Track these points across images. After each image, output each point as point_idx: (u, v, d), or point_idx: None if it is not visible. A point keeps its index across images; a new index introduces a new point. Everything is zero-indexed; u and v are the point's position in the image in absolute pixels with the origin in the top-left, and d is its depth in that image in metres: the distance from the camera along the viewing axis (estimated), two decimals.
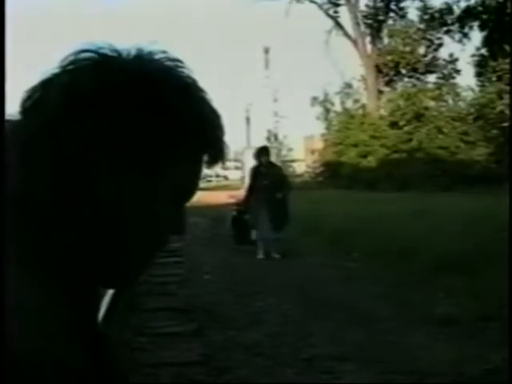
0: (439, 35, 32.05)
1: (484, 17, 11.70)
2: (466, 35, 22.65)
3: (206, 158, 0.77)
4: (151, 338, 5.45)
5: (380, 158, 29.59)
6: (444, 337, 5.37)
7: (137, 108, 0.70)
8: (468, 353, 4.88)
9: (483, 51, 15.25)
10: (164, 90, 0.72)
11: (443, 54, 33.34)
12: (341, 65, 40.01)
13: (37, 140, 0.69)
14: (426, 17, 31.65)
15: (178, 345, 5.30)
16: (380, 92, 33.30)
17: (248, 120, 35.11)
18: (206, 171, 0.82)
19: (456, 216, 11.52)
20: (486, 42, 12.05)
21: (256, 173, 10.50)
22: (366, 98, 33.25)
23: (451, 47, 32.69)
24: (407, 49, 32.86)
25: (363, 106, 33.35)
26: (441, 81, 33.22)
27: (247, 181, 11.70)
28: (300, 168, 41.28)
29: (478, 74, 29.20)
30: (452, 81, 33.14)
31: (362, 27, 33.11)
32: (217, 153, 0.77)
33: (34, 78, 0.73)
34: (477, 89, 31.11)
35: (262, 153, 10.61)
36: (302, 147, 46.44)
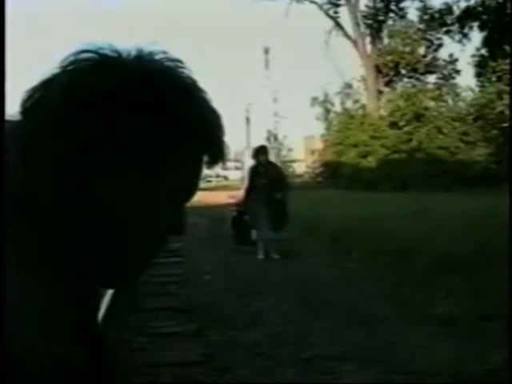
0: (439, 35, 32.06)
1: (484, 17, 11.70)
2: (465, 35, 22.64)
3: (206, 158, 0.77)
4: (151, 338, 5.45)
5: (380, 158, 29.59)
6: (444, 337, 5.37)
7: (137, 108, 0.70)
8: (468, 353, 4.88)
9: (483, 51, 15.26)
10: (164, 90, 0.72)
11: (443, 54, 33.39)
12: (341, 65, 40.09)
13: (37, 140, 0.69)
14: (425, 17, 31.65)
15: (178, 345, 5.30)
16: (380, 92, 33.30)
17: (248, 120, 35.06)
18: (205, 171, 0.82)
19: (456, 216, 11.52)
20: (486, 43, 12.05)
21: (254, 172, 10.49)
22: (366, 99, 33.25)
23: (451, 47, 32.67)
24: (407, 49, 32.86)
25: (363, 107, 33.35)
26: (441, 81, 33.23)
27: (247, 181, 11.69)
28: (300, 168, 41.29)
29: (478, 75, 29.19)
30: (452, 81, 33.16)
31: (362, 27, 33.11)
32: (217, 153, 0.77)
33: (34, 78, 0.73)
34: (477, 89, 31.13)
35: (260, 152, 10.58)
36: (302, 147, 46.45)
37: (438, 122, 29.88)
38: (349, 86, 34.51)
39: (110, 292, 5.88)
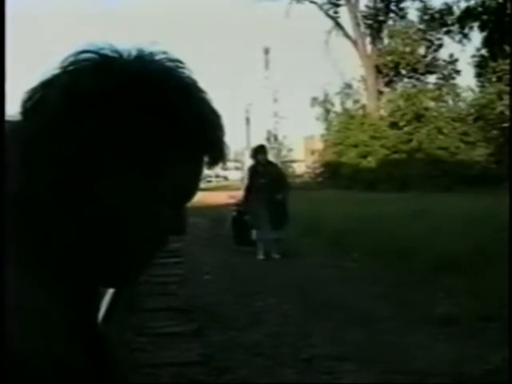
0: (439, 36, 32.09)
1: (484, 17, 11.68)
2: (466, 36, 22.65)
3: (206, 158, 0.77)
4: (151, 338, 5.45)
5: (380, 158, 29.60)
6: (444, 337, 5.37)
7: (137, 108, 0.70)
8: (468, 353, 4.88)
9: (483, 52, 15.23)
10: (164, 90, 0.72)
11: (443, 54, 33.42)
12: (341, 65, 40.06)
13: (37, 140, 0.69)
14: (426, 17, 31.67)
15: (178, 345, 5.30)
16: (380, 92, 33.31)
17: (248, 120, 35.07)
18: (206, 172, 0.82)
19: (456, 216, 11.52)
20: (486, 43, 12.03)
21: (254, 172, 10.46)
22: (366, 99, 33.26)
23: (451, 48, 32.69)
24: (407, 49, 32.87)
25: (363, 107, 33.36)
26: (441, 81, 33.25)
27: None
28: (300, 168, 41.29)
29: (478, 75, 29.22)
30: (452, 81, 33.18)
31: (362, 28, 33.13)
32: (217, 153, 0.77)
33: (34, 78, 0.73)
34: (477, 89, 31.16)
35: (259, 152, 10.56)
36: (302, 148, 46.45)
37: (438, 123, 29.89)
38: (349, 86, 34.56)
39: (110, 292, 5.89)
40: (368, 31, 33.25)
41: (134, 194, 0.72)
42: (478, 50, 18.92)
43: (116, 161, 0.70)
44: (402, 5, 32.94)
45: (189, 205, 0.79)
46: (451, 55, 32.72)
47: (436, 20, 30.06)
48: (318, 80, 66.54)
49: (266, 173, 10.16)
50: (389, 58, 32.74)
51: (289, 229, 10.57)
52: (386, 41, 33.86)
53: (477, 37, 16.13)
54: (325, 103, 34.91)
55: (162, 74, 0.73)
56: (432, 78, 33.92)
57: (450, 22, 27.03)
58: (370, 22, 33.06)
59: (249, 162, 11.74)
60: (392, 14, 33.50)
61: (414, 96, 30.78)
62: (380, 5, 33.12)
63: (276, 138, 38.49)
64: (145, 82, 0.71)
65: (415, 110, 30.16)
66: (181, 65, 0.75)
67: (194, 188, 0.78)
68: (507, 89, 23.85)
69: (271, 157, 14.99)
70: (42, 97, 0.71)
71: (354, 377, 4.53)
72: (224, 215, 14.00)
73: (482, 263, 7.36)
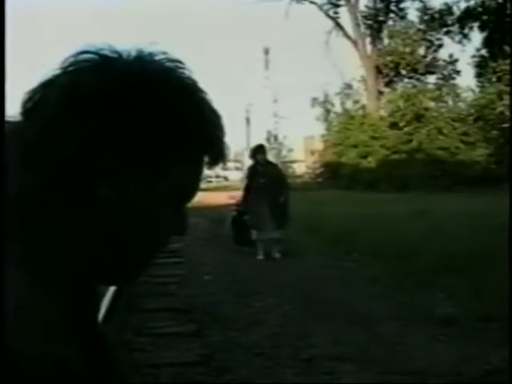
0: (439, 36, 32.10)
1: (484, 18, 11.69)
2: (465, 36, 22.68)
3: (206, 158, 0.77)
4: (151, 338, 5.45)
5: (380, 158, 29.61)
6: (444, 337, 5.37)
7: (137, 109, 0.70)
8: (468, 353, 4.88)
9: (483, 52, 15.24)
10: (164, 90, 0.72)
11: (443, 54, 33.42)
12: (341, 65, 39.92)
13: (37, 141, 0.69)
14: (425, 18, 31.68)
15: (178, 345, 5.30)
16: (380, 93, 33.32)
17: (248, 121, 35.13)
18: (206, 172, 0.82)
19: (456, 216, 11.53)
20: (486, 43, 12.04)
21: (253, 172, 10.42)
22: (366, 99, 33.26)
23: (451, 48, 32.72)
24: (407, 49, 32.87)
25: (363, 107, 33.36)
26: (441, 82, 33.25)
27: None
28: (300, 169, 41.33)
29: (478, 75, 29.20)
30: (452, 82, 33.19)
31: (362, 28, 33.14)
32: (217, 153, 0.77)
33: (34, 78, 0.73)
34: (477, 90, 31.17)
35: (259, 151, 10.52)
36: (302, 148, 46.48)
37: (438, 123, 29.89)
38: (349, 86, 34.57)
39: (110, 292, 5.89)
40: (368, 31, 33.26)
41: (134, 194, 0.72)
42: (478, 50, 18.92)
43: (116, 161, 0.70)
44: (402, 5, 33.00)
45: (189, 205, 0.79)
46: (451, 55, 32.76)
47: (436, 20, 30.06)
48: (318, 80, 66.56)
49: (265, 173, 10.13)
50: (389, 58, 32.75)
51: (289, 229, 10.57)
52: (386, 41, 33.90)
53: (477, 37, 16.16)
54: (325, 103, 34.92)
55: (162, 74, 0.73)
56: (432, 79, 33.99)
57: (449, 23, 27.04)
58: (369, 22, 33.07)
59: (249, 162, 11.71)
60: (392, 15, 33.55)
61: (414, 96, 30.79)
62: (380, 5, 33.14)
63: (276, 138, 38.53)
64: (145, 83, 0.71)
65: (415, 111, 30.17)
66: (181, 65, 0.75)
67: (194, 188, 0.78)
68: (507, 89, 23.85)
69: (271, 157, 15.00)
70: (42, 97, 0.71)
71: (354, 377, 4.53)
72: (224, 215, 13.99)
73: (481, 263, 7.36)
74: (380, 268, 8.33)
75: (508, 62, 16.24)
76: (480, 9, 11.88)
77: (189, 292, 7.36)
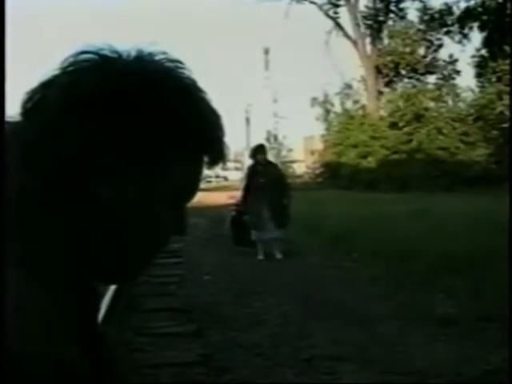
0: (439, 36, 32.09)
1: (484, 18, 11.69)
2: (465, 36, 22.70)
3: (206, 158, 0.77)
4: (151, 338, 5.45)
5: (380, 158, 29.60)
6: (444, 337, 5.37)
7: (137, 109, 0.70)
8: (468, 353, 4.88)
9: (483, 52, 15.24)
10: (164, 90, 0.72)
11: (443, 54, 33.41)
12: (341, 65, 39.96)
13: (37, 141, 0.70)
14: (425, 18, 31.67)
15: (178, 345, 5.29)
16: (380, 93, 33.31)
17: (248, 121, 35.14)
18: (205, 172, 0.82)
19: (456, 216, 11.53)
20: (486, 43, 12.04)
21: (253, 172, 10.39)
22: (366, 99, 33.26)
23: (451, 48, 32.72)
24: (407, 50, 32.87)
25: (363, 107, 33.36)
26: (441, 82, 33.23)
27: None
28: (300, 169, 41.33)
29: (478, 75, 29.20)
30: (452, 82, 33.17)
31: (362, 28, 33.14)
32: (217, 153, 0.77)
33: (34, 78, 0.73)
34: (477, 90, 31.16)
35: (259, 151, 10.49)
36: (302, 148, 46.50)
37: (438, 123, 29.89)
38: (349, 86, 34.56)
39: (110, 292, 5.89)
40: (368, 31, 33.26)
41: (134, 194, 0.72)
42: (478, 50, 18.94)
43: (116, 161, 0.70)
44: (402, 5, 33.00)
45: (189, 205, 0.79)
46: (451, 55, 32.75)
47: (436, 20, 30.05)
48: (318, 80, 66.62)
49: (265, 172, 10.11)
50: (389, 58, 32.74)
51: (289, 229, 10.56)
52: (385, 41, 33.89)
53: (477, 37, 16.16)
54: (325, 103, 34.92)
55: (162, 74, 0.73)
56: (432, 79, 33.97)
57: (449, 23, 27.05)
58: (369, 22, 33.07)
59: (249, 162, 11.70)
60: (392, 15, 33.54)
61: (413, 96, 30.78)
62: (380, 5, 33.13)
63: (276, 138, 38.54)
64: (144, 83, 0.71)
65: (415, 111, 30.17)
66: (180, 65, 0.75)
67: (194, 188, 0.78)
68: (507, 89, 23.85)
69: (271, 157, 14.98)
70: (41, 97, 0.71)
71: (354, 377, 4.53)
72: (224, 216, 13.99)
73: (482, 263, 7.36)
74: (380, 268, 8.33)
75: (508, 61, 16.25)
76: (480, 9, 11.88)
77: (189, 292, 7.36)
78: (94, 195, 0.70)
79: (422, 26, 32.46)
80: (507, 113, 24.29)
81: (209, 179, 41.07)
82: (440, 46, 32.86)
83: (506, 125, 25.57)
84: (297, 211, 11.29)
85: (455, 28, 24.20)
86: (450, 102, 32.33)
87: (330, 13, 33.49)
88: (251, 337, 5.52)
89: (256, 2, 34.12)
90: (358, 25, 32.80)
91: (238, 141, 32.85)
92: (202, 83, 0.76)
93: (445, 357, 4.83)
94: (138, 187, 0.72)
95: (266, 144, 20.81)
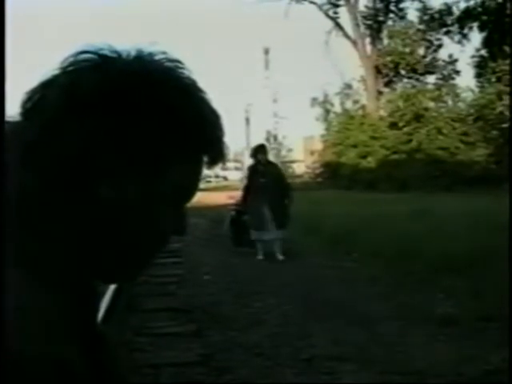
0: (439, 36, 32.08)
1: (484, 18, 11.70)
2: (465, 36, 22.65)
3: (205, 158, 0.77)
4: (151, 338, 5.45)
5: (380, 158, 29.61)
6: (444, 337, 5.37)
7: (137, 109, 0.70)
8: (468, 353, 4.88)
9: (483, 52, 15.26)
10: (164, 90, 0.72)
11: (443, 54, 33.43)
12: (340, 65, 40.05)
13: (37, 141, 0.70)
14: (425, 18, 31.68)
15: (178, 345, 5.29)
16: (380, 93, 33.32)
17: (248, 121, 35.16)
18: (205, 172, 0.82)
19: (456, 216, 11.53)
20: (486, 43, 12.05)
21: (253, 171, 10.38)
22: (366, 99, 33.27)
23: (451, 48, 32.77)
24: (407, 50, 32.88)
25: (363, 107, 33.37)
26: (440, 82, 33.25)
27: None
28: (299, 169, 41.35)
29: (478, 75, 29.22)
30: (451, 82, 33.18)
31: (362, 28, 33.15)
32: (217, 153, 0.77)
33: (34, 78, 0.73)
34: (476, 90, 31.16)
35: (260, 151, 10.47)
36: (302, 148, 46.50)
37: (437, 123, 29.89)
38: (348, 86, 34.58)
39: (109, 292, 5.89)
40: (368, 32, 33.27)
41: (134, 194, 0.72)
42: (478, 50, 18.96)
43: (116, 161, 0.70)
44: (402, 5, 33.01)
45: (188, 205, 0.79)
46: (451, 55, 32.76)
47: (435, 20, 30.04)
48: (318, 80, 66.66)
49: (266, 172, 10.10)
50: (388, 58, 32.75)
51: (289, 229, 10.55)
52: (385, 41, 33.90)
53: (476, 37, 16.16)
54: (324, 103, 34.93)
55: (162, 74, 0.73)
56: (431, 79, 33.99)
57: (449, 23, 27.02)
58: (369, 22, 33.07)
59: (248, 161, 11.70)
60: (391, 15, 33.55)
61: (413, 96, 30.79)
62: (379, 5, 33.14)
63: (276, 138, 38.54)
64: (144, 82, 0.71)
65: (415, 111, 30.17)
66: (180, 65, 0.75)
67: (193, 188, 0.78)
68: (507, 89, 23.85)
69: (271, 157, 14.96)
70: (41, 97, 0.71)
71: (354, 377, 4.52)
72: (223, 216, 13.98)
73: (482, 263, 7.36)
74: (380, 268, 8.33)
75: (508, 62, 16.25)
76: (480, 9, 11.89)
77: (189, 292, 7.36)
78: (94, 195, 0.70)
79: (421, 26, 32.47)
80: (507, 113, 24.29)
81: (208, 179, 41.07)
82: (440, 46, 32.88)
83: (505, 125, 25.58)
84: (297, 211, 11.28)
85: (455, 28, 24.17)
86: (450, 102, 32.34)
87: (330, 13, 33.53)
88: (251, 337, 5.52)
89: (256, 1, 34.16)
90: (357, 25, 32.80)
91: (237, 141, 32.91)
92: (202, 83, 0.76)
93: (445, 357, 4.83)
94: (137, 187, 0.72)
95: (266, 144, 20.83)
